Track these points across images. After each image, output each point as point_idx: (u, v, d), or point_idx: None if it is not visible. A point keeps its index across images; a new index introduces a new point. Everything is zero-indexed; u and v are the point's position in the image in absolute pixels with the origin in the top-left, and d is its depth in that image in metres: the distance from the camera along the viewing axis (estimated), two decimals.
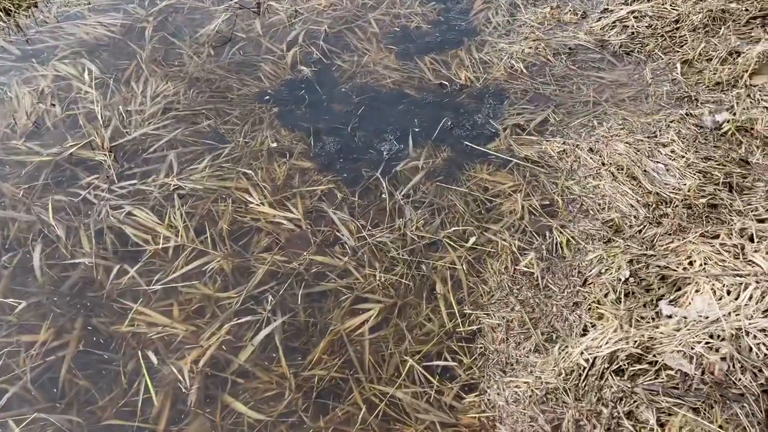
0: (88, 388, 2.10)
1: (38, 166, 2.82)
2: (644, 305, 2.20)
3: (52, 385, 2.10)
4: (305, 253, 2.48)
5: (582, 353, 2.00)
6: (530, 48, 3.44)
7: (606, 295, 2.24)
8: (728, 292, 2.12)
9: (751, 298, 2.08)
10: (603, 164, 2.76)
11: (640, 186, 2.64)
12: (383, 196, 2.70)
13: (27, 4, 3.77)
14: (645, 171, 2.70)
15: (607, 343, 2.00)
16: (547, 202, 2.64)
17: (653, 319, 2.14)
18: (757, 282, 2.12)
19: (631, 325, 2.06)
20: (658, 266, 2.29)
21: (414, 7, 3.80)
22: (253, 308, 2.31)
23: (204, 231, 2.57)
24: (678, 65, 3.27)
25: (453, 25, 3.65)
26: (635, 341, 1.98)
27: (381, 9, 3.79)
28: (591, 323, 2.15)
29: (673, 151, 2.77)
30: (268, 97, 3.19)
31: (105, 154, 2.85)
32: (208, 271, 2.42)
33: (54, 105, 3.10)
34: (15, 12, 3.73)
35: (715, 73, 3.17)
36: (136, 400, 2.07)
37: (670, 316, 2.13)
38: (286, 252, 2.50)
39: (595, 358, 1.98)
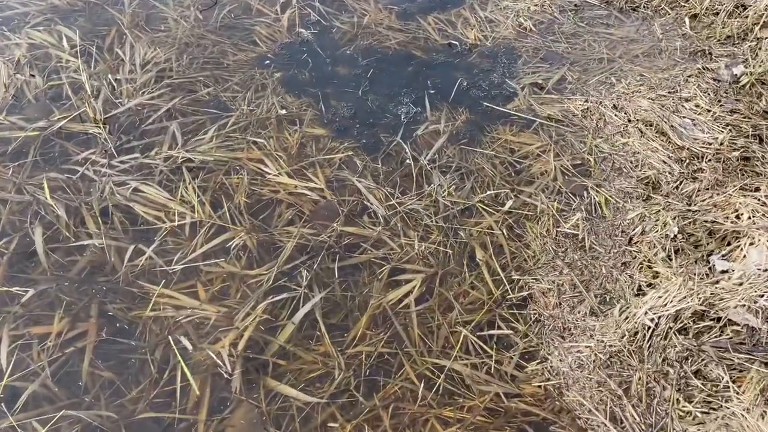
0: (113, 381, 1.90)
1: (24, 142, 2.56)
2: (695, 261, 2.14)
3: (74, 380, 1.89)
4: (334, 224, 2.32)
5: (646, 313, 1.92)
6: (536, 5, 3.33)
7: (655, 254, 2.17)
8: None
9: None
10: (629, 121, 2.69)
11: (669, 142, 2.57)
12: (407, 161, 2.55)
13: None
14: (672, 126, 2.64)
15: (671, 301, 1.93)
16: (579, 162, 2.56)
17: (707, 275, 2.09)
18: None
19: (692, 282, 1.99)
20: (705, 221, 2.24)
21: None
22: (287, 285, 2.14)
23: (221, 205, 2.37)
24: (686, 20, 3.22)
25: None
26: (700, 298, 1.91)
27: None
28: (646, 282, 2.08)
29: (697, 106, 2.72)
30: (268, 61, 2.98)
31: (99, 127, 2.60)
32: (232, 248, 2.24)
33: (34, 75, 2.81)
34: None
35: (724, 27, 3.13)
36: (170, 390, 1.89)
37: (725, 271, 2.08)
38: (313, 224, 2.33)
39: (660, 317, 1.91)
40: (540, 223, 2.34)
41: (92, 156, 2.50)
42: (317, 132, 2.68)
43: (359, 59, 3.01)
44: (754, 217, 2.19)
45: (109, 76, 2.81)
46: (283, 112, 2.74)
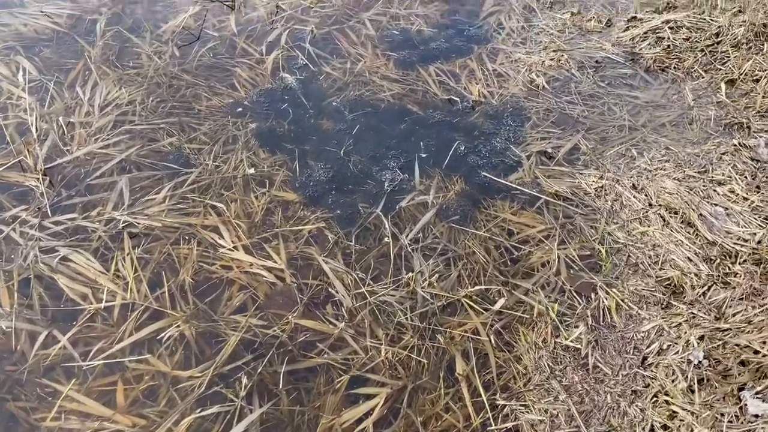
0: None
1: None
2: (723, 398, 1.73)
3: None
4: (289, 316, 1.97)
5: None
6: (551, 60, 2.98)
7: (674, 382, 1.77)
8: None
9: None
10: (650, 205, 2.31)
11: (697, 234, 2.20)
12: (386, 239, 2.20)
13: None
14: (701, 215, 2.26)
15: None
16: (587, 253, 2.18)
17: (736, 416, 1.68)
18: None
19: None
20: (737, 345, 1.84)
21: (414, 6, 3.31)
22: (223, 392, 1.78)
23: (161, 283, 2.03)
24: (722, 85, 2.84)
25: (460, 29, 3.18)
26: None
27: (376, 8, 3.29)
28: (660, 423, 1.68)
29: (732, 191, 2.34)
30: (241, 109, 2.67)
31: (38, 179, 2.29)
32: (165, 340, 1.88)
33: None
34: None
35: (765, 96, 2.75)
36: None
37: (757, 416, 1.68)
38: (266, 313, 1.98)
39: None
40: (536, 330, 1.96)
41: (22, 214, 2.17)
42: (287, 197, 2.35)
43: (346, 112, 2.68)
44: None
45: (61, 118, 2.50)
46: (252, 171, 2.41)
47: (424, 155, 2.54)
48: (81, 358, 1.84)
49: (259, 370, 1.84)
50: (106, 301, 1.97)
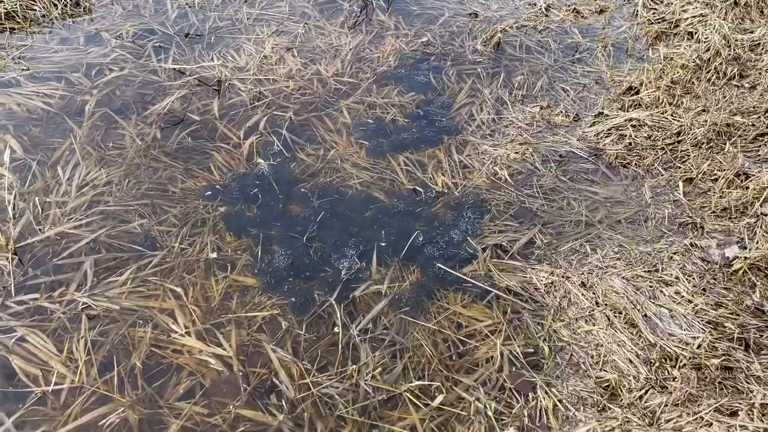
0: None
1: None
2: None
3: None
4: (232, 405, 2.03)
5: None
6: (517, 153, 3.12)
7: None
8: None
9: None
10: (597, 304, 2.39)
11: (640, 336, 2.26)
12: (336, 329, 2.28)
13: None
14: (646, 316, 2.33)
15: None
16: (531, 350, 2.25)
17: None
18: None
19: None
20: None
21: (392, 96, 3.49)
22: None
23: (111, 367, 2.10)
24: (680, 184, 2.96)
25: (433, 120, 3.34)
26: None
27: (355, 96, 3.47)
28: None
29: (677, 293, 2.42)
30: (210, 192, 2.80)
31: (7, 257, 2.40)
32: (109, 426, 1.95)
33: None
34: None
35: (722, 197, 2.86)
36: None
37: None
38: (209, 401, 2.04)
39: None
40: (471, 428, 2.01)
41: None
42: (246, 282, 2.45)
43: (313, 199, 2.81)
44: None
45: (38, 198, 2.65)
46: (214, 255, 2.52)
47: (383, 244, 2.64)
48: None
49: None
50: (56, 384, 2.04)
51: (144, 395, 2.05)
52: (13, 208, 2.59)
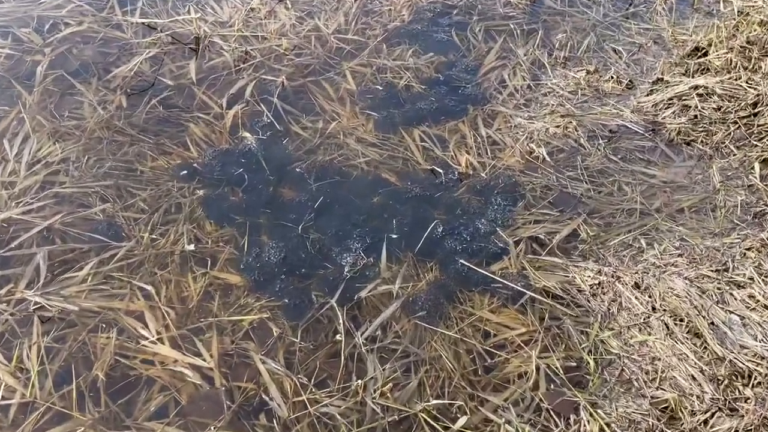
0: None
1: None
2: None
3: None
4: (213, 427, 2.07)
5: None
6: (557, 126, 3.14)
7: None
8: None
9: None
10: (653, 309, 2.42)
11: (705, 347, 2.29)
12: (338, 336, 2.31)
13: None
14: (713, 324, 2.35)
15: None
16: (573, 363, 2.28)
17: None
18: None
19: None
20: None
21: (405, 58, 3.52)
22: None
23: (69, 379, 2.15)
24: (756, 165, 2.97)
25: (455, 86, 3.37)
26: None
27: (361, 58, 3.50)
28: None
29: (751, 297, 2.44)
30: (186, 172, 2.84)
31: None
32: None
33: None
34: None
35: None
36: None
37: None
38: (186, 421, 2.08)
39: None
40: None
41: None
42: (230, 280, 2.49)
43: (311, 181, 2.85)
44: None
45: None
46: (192, 247, 2.56)
47: (395, 236, 2.67)
48: None
49: None
50: (3, 399, 2.09)
51: (108, 413, 2.10)
52: None
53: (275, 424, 2.10)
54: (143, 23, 3.58)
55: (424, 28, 3.73)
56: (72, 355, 2.23)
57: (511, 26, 3.77)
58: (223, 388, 2.17)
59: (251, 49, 3.50)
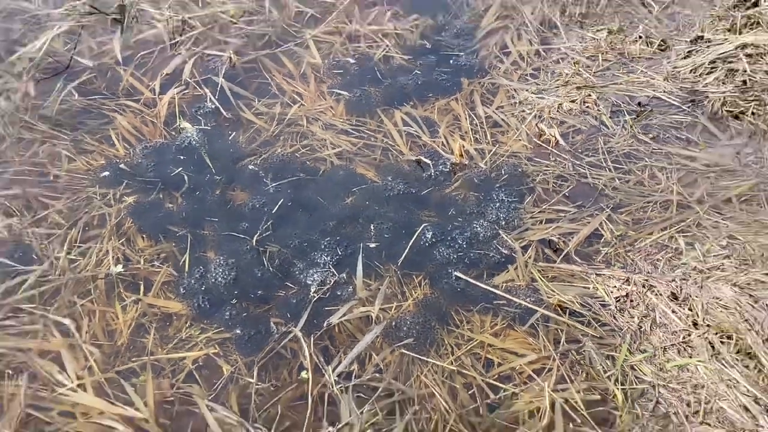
0: None
1: None
2: None
3: None
4: None
5: None
6: (573, 101, 3.19)
7: None
8: None
9: None
10: (695, 325, 2.45)
11: (760, 371, 2.31)
12: (304, 374, 2.35)
13: None
14: None
15: None
16: (597, 396, 2.32)
17: None
18: None
19: None
20: None
21: (383, 22, 3.55)
22: None
23: None
24: None
25: (446, 55, 3.43)
26: None
27: (328, 23, 3.53)
28: None
29: None
30: (110, 173, 2.86)
31: None
32: None
33: None
34: None
35: None
36: None
37: None
38: None
39: None
40: None
41: None
42: (169, 307, 2.54)
43: (267, 180, 2.89)
44: None
45: None
46: (120, 269, 2.60)
47: (373, 245, 2.71)
48: None
49: None
50: None
51: None
52: None
53: None
54: None
55: None
56: None
57: None
58: None
59: (190, 18, 3.53)
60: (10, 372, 2.34)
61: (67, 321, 2.46)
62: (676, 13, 3.64)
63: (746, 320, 2.45)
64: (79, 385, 2.31)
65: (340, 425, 2.25)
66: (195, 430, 2.25)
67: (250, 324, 2.49)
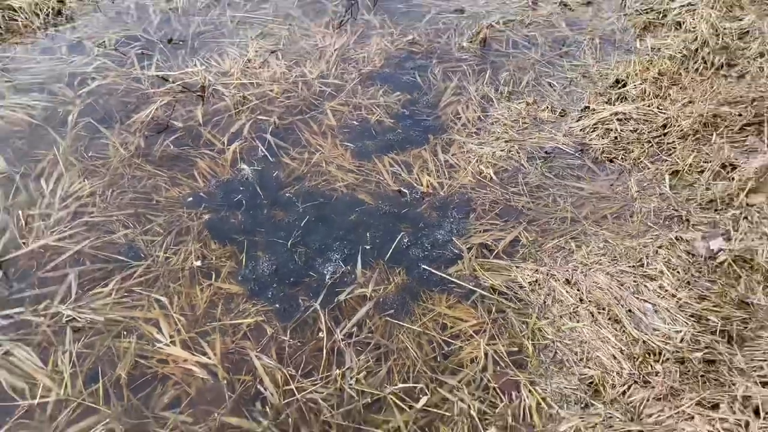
0: None
1: None
2: None
3: None
4: (217, 413, 2.08)
5: None
6: (502, 150, 3.17)
7: None
8: None
9: None
10: (581, 300, 2.44)
11: (624, 331, 2.31)
12: (320, 334, 2.33)
13: None
14: (630, 311, 2.37)
15: None
16: (516, 348, 2.30)
17: None
18: None
19: None
20: None
21: (377, 97, 3.54)
22: None
23: (96, 378, 2.16)
24: (666, 177, 3.00)
25: (418, 119, 3.40)
26: None
27: (340, 98, 3.52)
28: None
29: (662, 287, 2.46)
30: (194, 200, 2.86)
31: None
32: None
33: None
34: None
35: (708, 189, 2.91)
36: None
37: None
38: (195, 410, 2.10)
39: None
40: (455, 429, 2.06)
41: None
42: (231, 289, 2.50)
43: (298, 203, 2.87)
44: None
45: (21, 211, 2.70)
46: (198, 264, 2.57)
47: (368, 247, 2.69)
48: None
49: None
50: (42, 397, 2.10)
51: (130, 406, 2.11)
52: None
53: (268, 410, 2.11)
54: (158, 76, 3.60)
55: (392, 71, 3.77)
56: (99, 358, 2.25)
57: (464, 67, 3.80)
58: (225, 381, 2.19)
59: (248, 94, 3.53)
60: (125, 332, 2.33)
61: (163, 298, 2.45)
62: (572, 91, 3.63)
63: (615, 297, 2.44)
64: (170, 342, 2.30)
65: (344, 368, 2.24)
66: (247, 371, 2.24)
67: (285, 301, 2.48)
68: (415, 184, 3.01)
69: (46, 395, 2.11)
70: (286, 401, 2.13)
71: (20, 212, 2.72)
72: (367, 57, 3.84)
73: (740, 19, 4.05)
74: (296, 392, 2.16)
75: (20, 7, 3.88)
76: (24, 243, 2.60)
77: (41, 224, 2.69)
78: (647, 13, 4.28)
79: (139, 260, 2.59)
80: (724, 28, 3.93)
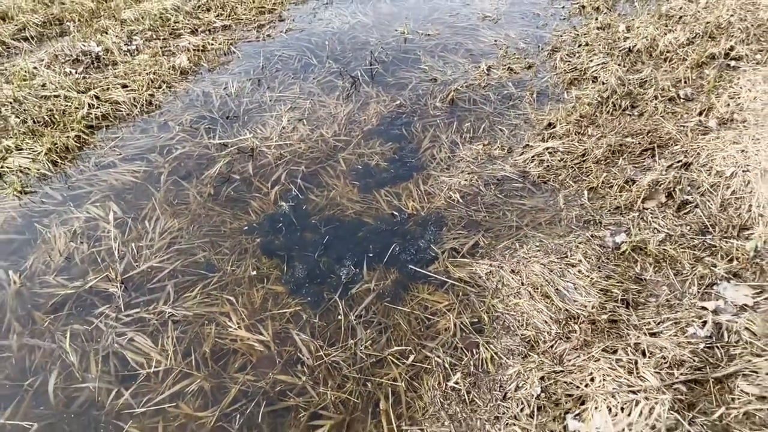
0: None
1: (64, 297, 2.78)
2: (554, 419, 2.07)
3: None
4: (271, 373, 2.38)
5: None
6: (466, 180, 3.44)
7: (522, 410, 2.12)
8: (622, 409, 2.00)
9: (640, 414, 1.96)
10: (522, 284, 2.69)
11: (552, 304, 2.56)
12: (339, 317, 2.62)
13: (72, 156, 3.85)
14: (557, 290, 2.62)
15: None
16: (476, 320, 2.56)
17: None
18: (646, 399, 2.00)
19: None
20: (565, 382, 2.18)
21: (375, 147, 3.85)
22: (225, 427, 2.19)
23: (190, 353, 2.48)
24: (585, 192, 3.25)
25: (405, 161, 3.68)
26: None
27: (349, 150, 3.84)
28: None
29: (580, 271, 2.71)
30: (248, 228, 3.17)
31: (117, 286, 2.81)
32: (190, 392, 2.32)
33: (82, 243, 3.09)
34: (61, 162, 3.80)
35: (615, 199, 3.15)
36: None
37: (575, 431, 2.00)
38: (257, 371, 2.40)
39: None
40: (434, 376, 2.33)
41: (107, 310, 2.68)
42: (278, 289, 2.80)
43: (321, 227, 3.17)
44: (604, 381, 2.13)
45: (133, 243, 3.06)
46: (254, 273, 2.88)
47: (371, 255, 2.98)
48: (137, 406, 2.29)
49: (248, 410, 2.25)
50: (155, 367, 2.42)
51: (213, 371, 2.42)
52: (118, 252, 3.00)
53: (305, 369, 2.41)
54: (221, 143, 3.96)
55: (385, 127, 4.07)
56: (191, 340, 2.56)
57: (438, 121, 4.10)
58: (276, 352, 2.48)
59: (283, 152, 3.85)
60: (207, 322, 2.65)
61: (231, 298, 2.76)
62: (517, 133, 3.89)
63: (546, 280, 2.70)
64: (238, 327, 2.61)
65: (356, 339, 2.53)
66: (290, 344, 2.53)
67: (315, 295, 2.77)
68: (403, 208, 3.29)
69: (157, 366, 2.43)
70: (317, 363, 2.42)
71: (133, 245, 3.07)
72: (367, 118, 4.16)
73: (640, 72, 4.30)
74: (324, 357, 2.44)
75: (123, 101, 4.29)
76: (137, 265, 2.95)
77: (147, 252, 3.03)
78: (573, 71, 4.55)
79: (214, 273, 2.90)
80: (629, 80, 4.19)
